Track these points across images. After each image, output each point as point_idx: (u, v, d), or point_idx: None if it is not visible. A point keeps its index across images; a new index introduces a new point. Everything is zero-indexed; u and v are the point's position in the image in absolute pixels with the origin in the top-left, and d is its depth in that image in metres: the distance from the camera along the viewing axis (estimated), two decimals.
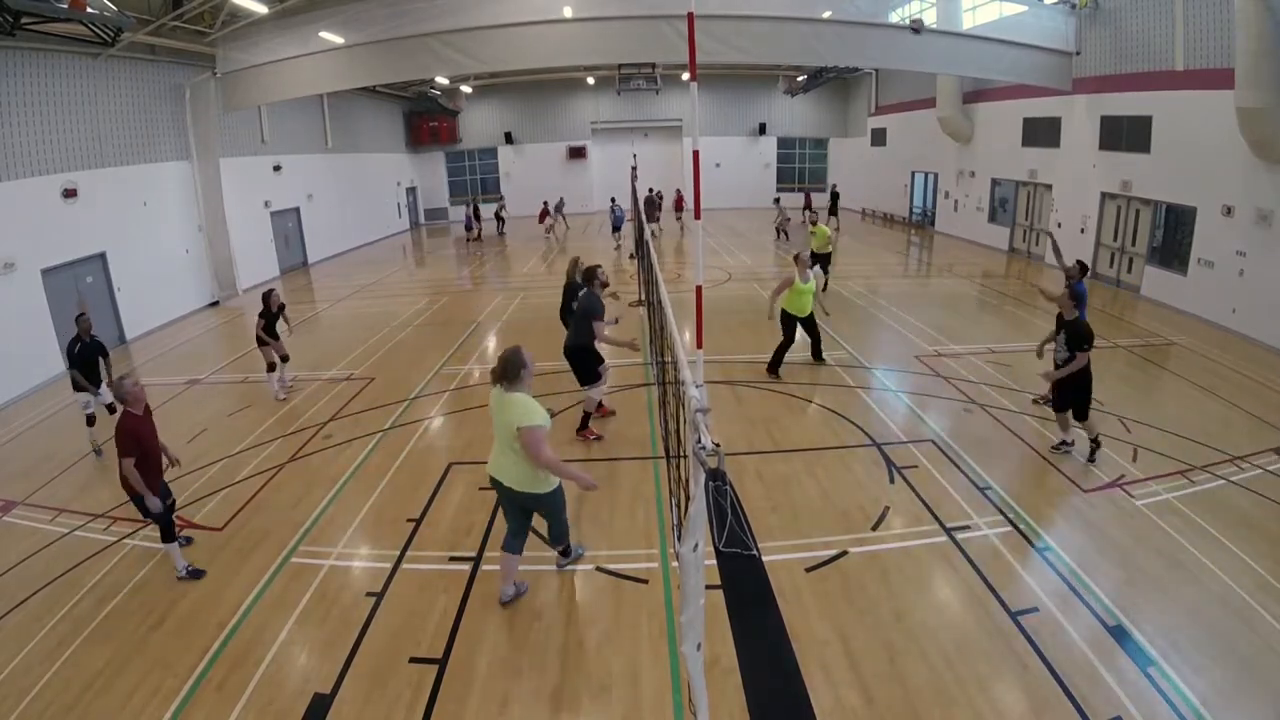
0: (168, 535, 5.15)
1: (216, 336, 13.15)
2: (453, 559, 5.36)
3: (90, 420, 7.38)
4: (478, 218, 24.38)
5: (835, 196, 25.11)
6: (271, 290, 9.10)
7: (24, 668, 4.37)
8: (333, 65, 13.32)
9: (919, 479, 6.39)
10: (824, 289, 13.83)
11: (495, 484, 4.52)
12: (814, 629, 4.46)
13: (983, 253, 19.09)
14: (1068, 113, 15.66)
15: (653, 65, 22.00)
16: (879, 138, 26.92)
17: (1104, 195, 14.56)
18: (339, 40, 12.94)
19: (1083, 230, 15.00)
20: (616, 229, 21.09)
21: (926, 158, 22.94)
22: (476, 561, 5.29)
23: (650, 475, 6.55)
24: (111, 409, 7.27)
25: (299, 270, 19.62)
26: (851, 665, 4.14)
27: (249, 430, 8.09)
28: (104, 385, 7.30)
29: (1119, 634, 4.33)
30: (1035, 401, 8.10)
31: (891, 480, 6.39)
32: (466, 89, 27.99)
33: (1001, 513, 5.79)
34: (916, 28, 12.86)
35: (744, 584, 1.97)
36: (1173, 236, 12.87)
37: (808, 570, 5.07)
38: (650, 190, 22.55)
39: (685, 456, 3.29)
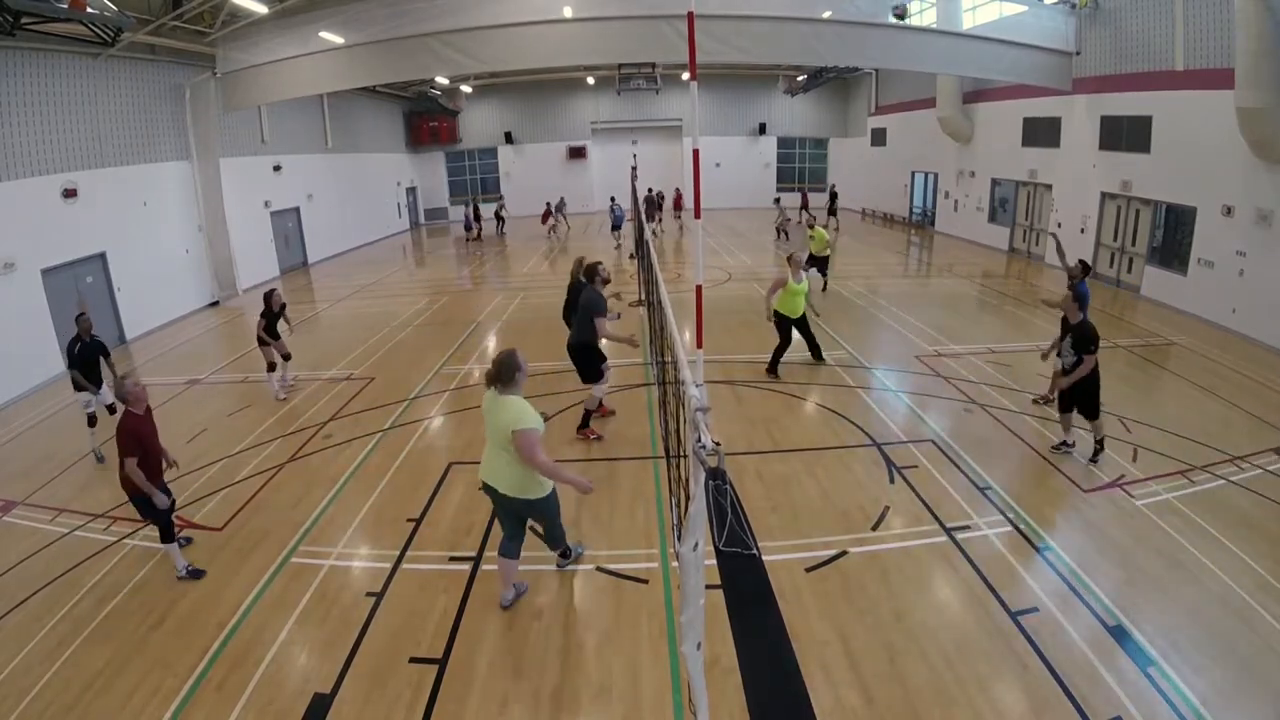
0: (167, 535, 5.16)
1: (216, 336, 13.15)
2: (453, 559, 5.37)
3: (91, 420, 7.34)
4: (478, 218, 24.39)
5: (834, 196, 25.10)
6: (273, 290, 9.11)
7: (24, 668, 4.37)
8: (333, 65, 13.32)
9: (919, 479, 6.39)
10: (824, 290, 13.87)
11: (488, 490, 4.46)
12: (814, 629, 4.46)
13: (983, 253, 19.10)
14: (1068, 113, 15.66)
15: (653, 65, 22.00)
16: (879, 138, 26.92)
17: (1104, 195, 14.56)
18: (339, 40, 12.94)
19: (1083, 230, 15.00)
20: (616, 228, 21.13)
21: (926, 158, 22.94)
22: (476, 561, 5.29)
23: (650, 475, 6.55)
24: (112, 409, 7.27)
25: (299, 270, 19.62)
26: (851, 665, 4.14)
27: (249, 430, 8.09)
28: (105, 385, 7.29)
29: (1119, 634, 4.33)
30: (1035, 401, 8.11)
31: (891, 480, 6.39)
32: (466, 89, 28.00)
33: (1001, 513, 5.79)
34: (900, 13, 12.72)
35: (744, 584, 1.97)
36: (1173, 236, 12.87)
37: (808, 570, 5.07)
38: (650, 190, 22.57)
39: (685, 456, 3.29)
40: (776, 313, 8.95)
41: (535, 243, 23.14)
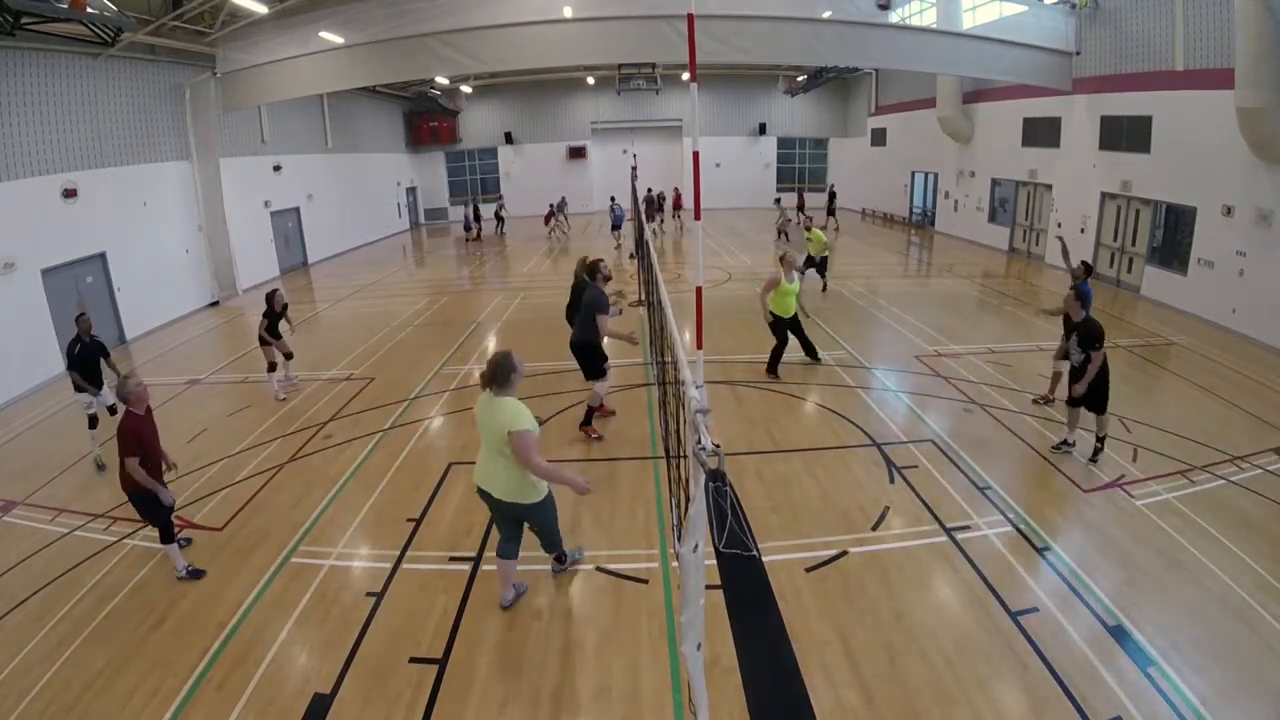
0: (167, 536, 5.16)
1: (216, 336, 13.15)
2: (453, 559, 5.37)
3: (92, 422, 7.25)
4: (477, 218, 24.39)
5: (832, 196, 25.13)
6: (275, 290, 9.13)
7: (24, 668, 4.37)
8: (333, 65, 13.32)
9: (919, 479, 6.39)
10: (824, 290, 13.88)
11: (483, 495, 4.42)
12: (814, 629, 4.46)
13: (983, 253, 19.10)
14: (1068, 113, 15.66)
15: (653, 65, 22.01)
16: (879, 138, 26.92)
17: (1104, 195, 14.56)
18: (339, 40, 12.95)
19: (1083, 230, 15.00)
20: (616, 228, 21.15)
21: (926, 158, 22.95)
22: (476, 561, 5.29)
23: (650, 475, 6.55)
24: (113, 410, 7.23)
25: (299, 270, 19.63)
26: (851, 665, 4.14)
27: (249, 430, 8.09)
28: (106, 386, 7.23)
29: (1119, 634, 4.33)
30: (1035, 401, 8.11)
31: (891, 480, 6.39)
32: (466, 89, 28.00)
33: (1001, 513, 5.80)
34: (884, 3, 12.62)
35: (744, 584, 1.97)
36: (1173, 236, 12.87)
37: (808, 570, 5.07)
38: (650, 190, 22.57)
39: (685, 457, 3.29)
40: (772, 316, 8.94)
41: (535, 243, 23.15)
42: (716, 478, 2.07)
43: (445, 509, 6.12)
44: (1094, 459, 6.56)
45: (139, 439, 4.89)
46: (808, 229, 14.19)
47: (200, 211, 14.69)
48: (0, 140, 10.10)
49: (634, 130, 29.85)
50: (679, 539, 3.80)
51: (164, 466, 5.22)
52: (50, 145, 11.00)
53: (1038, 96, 16.19)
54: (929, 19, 14.97)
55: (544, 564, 5.13)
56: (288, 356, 9.26)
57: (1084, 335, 6.31)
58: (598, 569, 5.17)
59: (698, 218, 3.72)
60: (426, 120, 29.01)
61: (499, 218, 26.14)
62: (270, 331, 8.84)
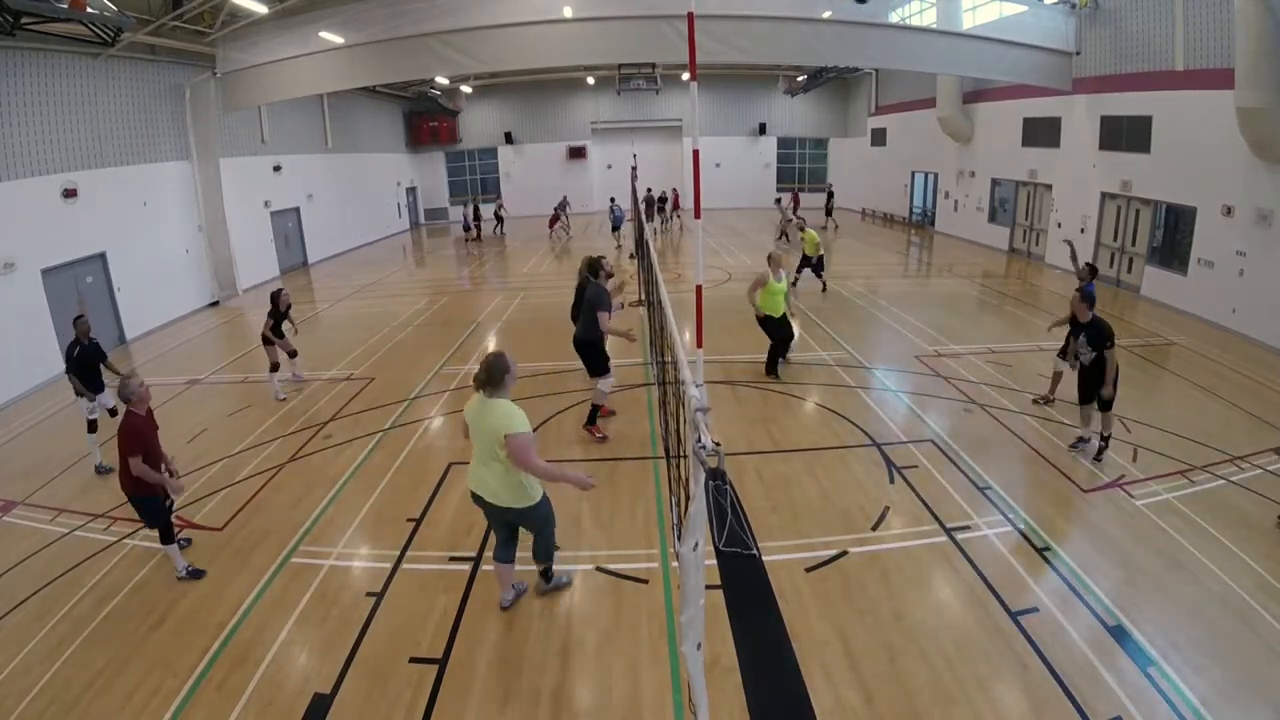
0: (167, 536, 5.16)
1: (216, 336, 13.15)
2: (453, 559, 5.37)
3: (91, 427, 7.13)
4: (477, 218, 24.39)
5: (830, 196, 25.28)
6: (280, 289, 9.15)
7: (24, 668, 4.37)
8: (333, 65, 13.32)
9: (919, 479, 6.39)
10: (823, 291, 13.90)
11: (477, 499, 4.35)
12: (814, 629, 4.46)
13: (983, 253, 19.10)
14: (1068, 113, 15.66)
15: (653, 65, 22.01)
16: (879, 138, 26.92)
17: (1104, 195, 14.56)
18: (339, 40, 12.94)
19: (1083, 230, 15.00)
20: (616, 228, 21.15)
21: (926, 158, 22.94)
22: (476, 561, 5.29)
23: (650, 475, 6.55)
24: (113, 413, 7.20)
25: (299, 270, 19.62)
26: (851, 665, 4.14)
27: (249, 430, 8.09)
28: (106, 389, 7.18)
29: (1119, 634, 4.33)
30: (1035, 401, 8.11)
31: (891, 480, 6.39)
32: (466, 89, 28.00)
33: (1001, 513, 5.80)
34: None
35: (744, 584, 1.98)
36: (1173, 236, 12.87)
37: (808, 570, 5.07)
38: (649, 190, 22.58)
39: (685, 456, 3.29)
40: (761, 316, 8.92)
41: (535, 243, 23.15)
42: (716, 476, 2.07)
43: (445, 509, 6.12)
44: (1098, 457, 6.59)
45: (141, 439, 4.90)
46: (801, 229, 14.22)
47: (200, 211, 14.69)
48: (0, 140, 10.11)
49: (634, 130, 29.85)
50: (679, 538, 3.80)
51: (166, 469, 5.20)
52: (50, 145, 11.00)
53: (1038, 96, 16.19)
54: (929, 19, 14.98)
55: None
56: (292, 355, 9.29)
57: (1094, 335, 6.32)
58: (598, 569, 5.17)
59: (698, 217, 3.73)
60: (426, 120, 29.01)
61: (498, 218, 26.14)
62: (274, 331, 8.85)
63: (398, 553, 5.48)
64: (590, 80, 28.46)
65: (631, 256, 18.18)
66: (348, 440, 7.67)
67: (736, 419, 7.85)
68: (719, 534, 2.00)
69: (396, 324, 12.95)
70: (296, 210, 19.69)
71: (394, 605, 4.86)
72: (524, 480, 4.20)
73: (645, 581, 5.01)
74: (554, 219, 24.26)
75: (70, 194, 11.29)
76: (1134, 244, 13.89)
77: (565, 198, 25.74)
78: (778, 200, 25.61)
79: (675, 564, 5.00)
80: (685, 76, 23.54)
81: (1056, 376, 7.89)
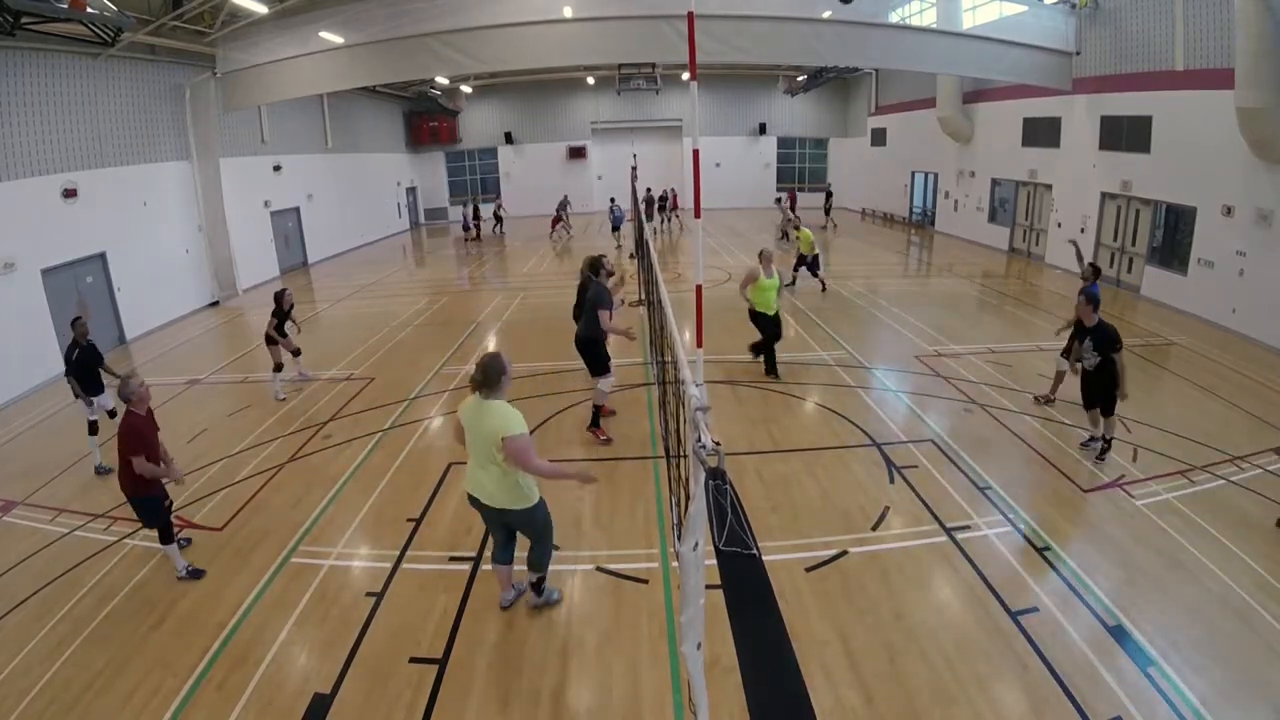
0: (166, 536, 5.15)
1: (216, 336, 13.15)
2: (453, 559, 5.37)
3: (92, 428, 7.10)
4: (477, 217, 24.38)
5: (828, 196, 25.42)
6: (284, 289, 9.18)
7: (24, 668, 4.37)
8: (333, 65, 13.32)
9: (919, 479, 6.39)
10: (823, 291, 13.90)
11: (473, 501, 4.29)
12: (814, 629, 4.46)
13: (983, 253, 19.09)
14: (1068, 113, 15.66)
15: (653, 65, 22.00)
16: (879, 138, 26.92)
17: (1104, 195, 14.56)
18: (339, 40, 12.95)
19: (1083, 230, 14.99)
20: (616, 228, 21.16)
21: (926, 158, 22.94)
22: (476, 561, 5.29)
23: (650, 475, 6.55)
24: (112, 414, 7.19)
25: (299, 270, 19.62)
26: (851, 665, 4.14)
27: (249, 430, 8.09)
28: (105, 391, 7.15)
29: (1119, 634, 4.33)
30: (1037, 400, 8.10)
31: (891, 480, 6.39)
32: (466, 89, 28.00)
33: (1001, 513, 5.80)
34: None
35: (744, 584, 1.98)
36: (1173, 236, 12.87)
37: (808, 570, 5.07)
38: (649, 190, 22.58)
39: (685, 456, 3.29)
40: (751, 310, 8.92)
41: (535, 243, 23.15)
42: (716, 476, 2.07)
43: (445, 509, 6.11)
44: (1100, 457, 6.59)
45: (141, 439, 4.89)
46: (796, 228, 14.26)
47: (200, 211, 14.69)
48: (0, 140, 10.11)
49: (634, 130, 29.84)
50: (679, 538, 3.80)
51: (165, 470, 5.20)
52: (50, 145, 11.00)
53: (1038, 96, 16.19)
54: (929, 19, 14.98)
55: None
56: (296, 354, 9.32)
57: (1103, 339, 6.32)
58: (598, 569, 5.17)
59: (698, 216, 3.73)
60: (426, 120, 29.01)
61: (497, 217, 26.14)
62: (278, 331, 8.86)
63: (398, 553, 5.48)
64: (590, 80, 28.46)
65: (631, 256, 18.18)
66: (347, 440, 7.68)
67: (736, 419, 7.85)
68: (719, 534, 2.00)
69: (396, 324, 12.95)
70: (296, 210, 19.69)
71: (394, 605, 4.86)
72: (521, 482, 4.17)
73: (645, 581, 5.01)
74: (556, 219, 24.26)
75: (70, 194, 11.29)
76: (1134, 244, 13.89)
77: (566, 197, 25.75)
78: (778, 200, 25.63)
79: (675, 564, 5.00)
80: (685, 76, 23.54)
81: (1059, 376, 7.89)
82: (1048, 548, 5.29)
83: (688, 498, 2.84)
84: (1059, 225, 16.03)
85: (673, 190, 24.70)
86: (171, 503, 5.38)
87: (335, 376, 9.93)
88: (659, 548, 5.43)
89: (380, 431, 7.88)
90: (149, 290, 13.06)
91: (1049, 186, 16.71)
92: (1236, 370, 9.33)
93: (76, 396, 7.10)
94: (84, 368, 6.99)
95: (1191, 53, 11.87)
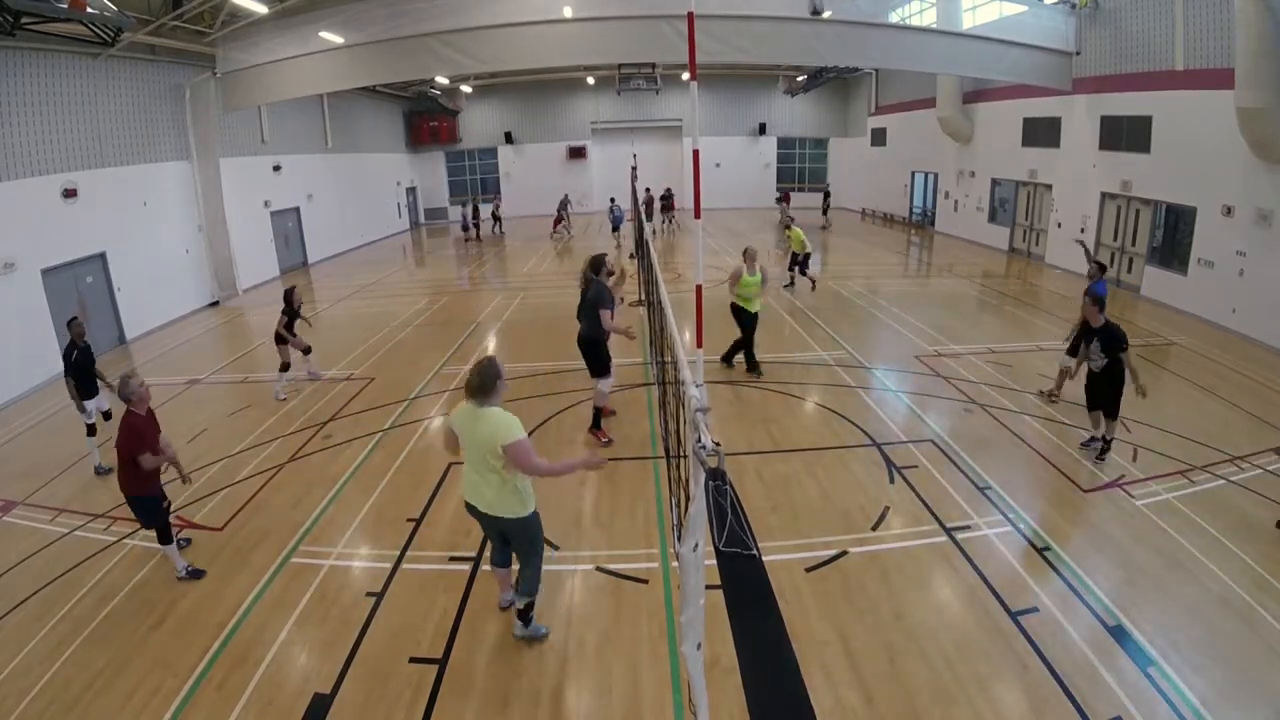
0: (165, 537, 5.15)
1: (216, 336, 13.15)
2: (453, 559, 5.37)
3: (91, 430, 7.08)
4: (476, 217, 24.37)
5: (826, 195, 25.50)
6: (293, 287, 9.22)
7: (24, 668, 4.37)
8: (333, 65, 13.32)
9: (919, 479, 6.39)
10: (813, 289, 13.93)
11: (470, 508, 4.18)
12: (814, 629, 4.46)
13: (983, 253, 19.09)
14: (1068, 113, 15.66)
15: (653, 65, 22.00)
16: (879, 138, 26.92)
17: (1104, 195, 14.56)
18: (339, 40, 12.95)
19: (1083, 230, 14.99)
20: (616, 228, 21.16)
21: (926, 158, 22.94)
22: (476, 561, 5.29)
23: (650, 475, 6.55)
24: (107, 416, 7.18)
25: (299, 270, 19.61)
26: (851, 665, 4.14)
27: (249, 430, 8.09)
28: (101, 393, 7.12)
29: (1119, 634, 4.33)
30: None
31: (891, 480, 6.39)
32: (466, 89, 28.00)
33: (1001, 513, 5.80)
34: (817, 9, 12.31)
35: (744, 584, 1.98)
36: (1173, 236, 12.87)
37: (808, 570, 5.07)
38: (648, 190, 22.58)
39: (685, 456, 3.29)
40: (734, 305, 8.94)
41: (535, 243, 23.14)
42: (716, 476, 2.07)
43: (445, 509, 6.11)
44: (1100, 457, 6.59)
45: (142, 438, 4.90)
46: (787, 228, 14.30)
47: (200, 211, 14.69)
48: (0, 140, 10.11)
49: (634, 130, 29.84)
50: (679, 538, 3.80)
51: (165, 467, 5.20)
52: (50, 145, 10.99)
53: (1038, 96, 16.19)
54: (929, 19, 14.98)
55: (546, 563, 5.10)
56: (306, 352, 9.38)
57: (1110, 340, 6.31)
58: (598, 569, 5.17)
59: (698, 217, 3.73)
60: (426, 120, 29.01)
61: (495, 218, 26.14)
62: (288, 329, 8.88)
63: (398, 553, 5.48)
64: (590, 80, 28.46)
65: (632, 256, 18.19)
66: (347, 440, 7.68)
67: (736, 419, 7.85)
68: (719, 534, 2.00)
69: (396, 324, 12.95)
70: (296, 210, 19.69)
71: (394, 605, 4.86)
72: (520, 488, 4.06)
73: (645, 581, 5.01)
74: (557, 219, 24.25)
75: (70, 194, 11.28)
76: (1134, 244, 13.89)
77: (567, 196, 25.74)
78: (779, 200, 25.66)
79: (675, 564, 5.00)
80: (685, 76, 23.54)
81: (1063, 373, 7.87)
82: (1048, 548, 5.29)
83: (688, 498, 2.85)
84: (1059, 225, 16.04)
85: (668, 190, 24.70)
86: (170, 503, 5.38)
87: (335, 376, 9.93)
88: (659, 548, 5.43)
89: (380, 431, 7.88)
90: (149, 290, 13.06)
91: (1049, 186, 16.71)
92: (1236, 370, 9.33)
93: (71, 397, 7.06)
94: (82, 369, 6.97)
95: (1191, 53, 11.87)
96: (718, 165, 28.70)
